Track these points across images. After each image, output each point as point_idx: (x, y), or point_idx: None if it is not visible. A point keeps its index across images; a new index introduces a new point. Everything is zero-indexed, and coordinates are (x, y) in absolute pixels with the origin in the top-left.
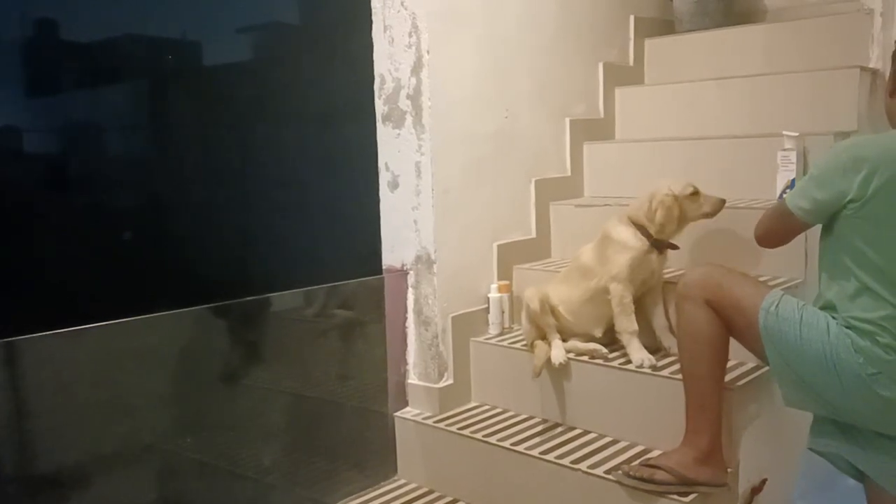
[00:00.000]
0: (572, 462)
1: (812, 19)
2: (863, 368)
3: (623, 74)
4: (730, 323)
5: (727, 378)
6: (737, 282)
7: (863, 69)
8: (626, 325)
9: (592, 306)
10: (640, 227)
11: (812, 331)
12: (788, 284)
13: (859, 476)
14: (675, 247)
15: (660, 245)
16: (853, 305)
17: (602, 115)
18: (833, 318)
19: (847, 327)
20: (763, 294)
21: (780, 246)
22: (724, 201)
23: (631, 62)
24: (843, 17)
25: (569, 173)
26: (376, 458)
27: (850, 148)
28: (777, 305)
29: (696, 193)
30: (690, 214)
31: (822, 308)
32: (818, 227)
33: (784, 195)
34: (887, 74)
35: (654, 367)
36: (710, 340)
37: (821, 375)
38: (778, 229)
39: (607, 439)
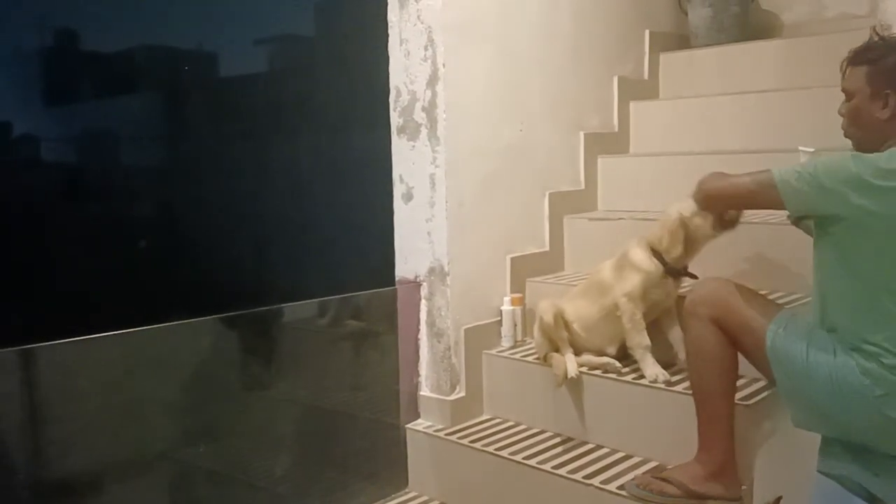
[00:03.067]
0: (585, 477)
1: (828, 35)
2: (870, 391)
3: (638, 88)
4: (737, 341)
5: (742, 395)
6: (745, 300)
7: None
8: (639, 340)
9: (608, 324)
10: (656, 253)
11: (819, 353)
12: (802, 301)
13: (871, 499)
14: (692, 276)
15: (675, 272)
16: (857, 326)
17: (616, 128)
18: (839, 341)
19: (852, 349)
20: (772, 314)
21: (723, 210)
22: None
23: (646, 76)
24: (860, 33)
25: (583, 187)
26: (387, 469)
27: (860, 157)
28: (785, 327)
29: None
30: (699, 234)
31: (827, 331)
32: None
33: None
34: (868, 84)
35: (668, 383)
36: (718, 358)
37: (828, 398)
38: (756, 204)
39: (620, 454)
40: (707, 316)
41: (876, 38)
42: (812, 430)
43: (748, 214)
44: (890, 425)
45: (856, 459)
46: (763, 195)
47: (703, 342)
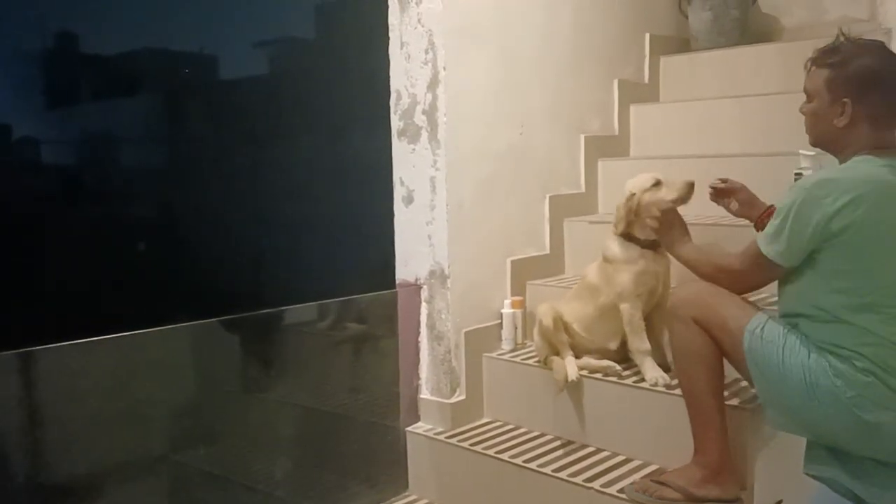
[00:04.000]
0: (585, 480)
1: (828, 38)
2: (842, 392)
3: (638, 91)
4: (717, 342)
5: (744, 398)
6: (724, 302)
7: None
8: (638, 344)
9: (606, 321)
10: (625, 236)
11: (793, 355)
12: None
13: (857, 501)
14: None
15: (651, 245)
16: (828, 335)
17: (617, 131)
18: (812, 343)
19: (826, 352)
20: (749, 316)
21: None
22: (691, 184)
23: (646, 79)
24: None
25: (583, 190)
26: (387, 472)
27: (821, 182)
28: (762, 328)
29: (657, 184)
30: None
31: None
32: None
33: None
34: (825, 95)
35: (668, 386)
36: (703, 358)
37: (802, 400)
38: (759, 281)
39: (620, 458)
40: (689, 317)
41: (842, 40)
42: (790, 433)
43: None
44: (863, 427)
45: (838, 462)
46: (768, 274)
47: (688, 342)
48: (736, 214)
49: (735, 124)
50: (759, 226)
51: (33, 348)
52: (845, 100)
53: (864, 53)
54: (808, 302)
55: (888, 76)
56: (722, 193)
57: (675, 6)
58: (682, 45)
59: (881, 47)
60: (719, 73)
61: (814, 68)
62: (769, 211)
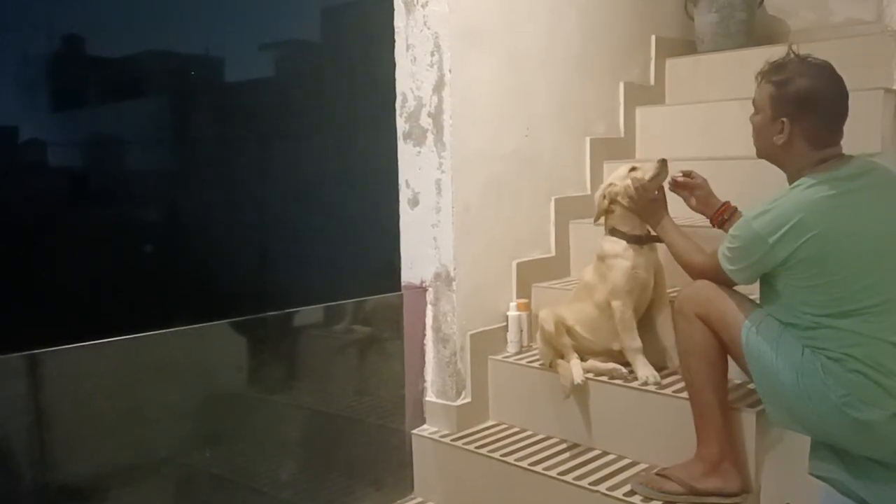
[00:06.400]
0: (591, 483)
1: (835, 41)
2: (832, 391)
3: (644, 94)
4: (719, 338)
5: (748, 401)
6: (725, 298)
7: (887, 91)
8: (629, 342)
9: (607, 320)
10: (612, 231)
11: (787, 353)
12: None
13: (861, 503)
14: (658, 239)
15: (638, 239)
16: (816, 340)
17: (622, 134)
18: (806, 343)
19: (819, 352)
20: (749, 312)
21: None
22: (663, 161)
23: (652, 82)
24: (867, 39)
25: (588, 192)
26: (393, 475)
27: (759, 217)
28: (760, 324)
29: (633, 169)
30: (629, 195)
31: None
32: None
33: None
34: (768, 109)
35: (658, 385)
36: (704, 352)
37: (796, 397)
38: (714, 280)
39: (627, 460)
40: (692, 313)
41: (791, 56)
42: (789, 429)
43: None
44: (855, 426)
45: (842, 462)
46: (722, 280)
47: (690, 338)
48: (693, 209)
49: (741, 127)
50: (714, 222)
51: (39, 351)
52: (783, 119)
53: (806, 74)
54: (789, 311)
55: (826, 99)
56: (680, 186)
57: (680, 8)
58: (688, 47)
59: (825, 69)
60: (725, 76)
61: (762, 82)
62: (723, 208)
